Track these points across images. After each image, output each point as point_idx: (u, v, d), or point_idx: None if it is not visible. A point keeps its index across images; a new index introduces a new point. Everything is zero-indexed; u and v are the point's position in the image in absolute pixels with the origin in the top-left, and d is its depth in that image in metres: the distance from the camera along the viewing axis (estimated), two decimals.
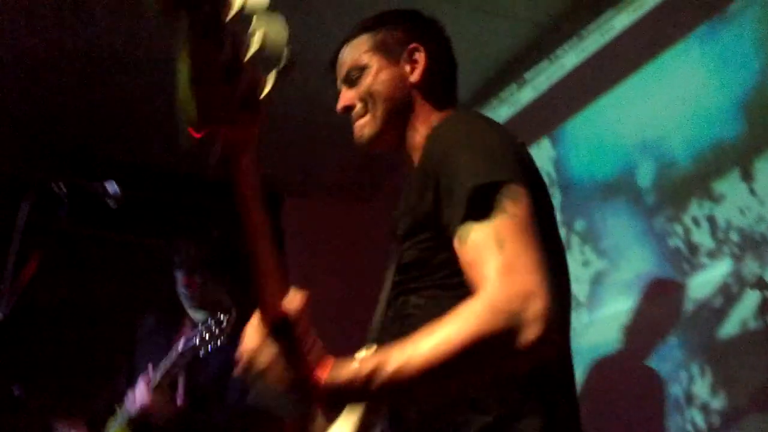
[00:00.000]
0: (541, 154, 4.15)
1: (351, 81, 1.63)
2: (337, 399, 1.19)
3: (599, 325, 3.60)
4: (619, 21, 3.74)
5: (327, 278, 4.86)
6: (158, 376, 2.50)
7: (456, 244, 1.25)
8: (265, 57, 0.92)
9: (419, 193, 1.40)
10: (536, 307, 1.10)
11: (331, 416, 1.30)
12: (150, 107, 4.21)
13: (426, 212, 1.37)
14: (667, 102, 3.41)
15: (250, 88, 0.94)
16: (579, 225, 3.84)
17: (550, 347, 1.11)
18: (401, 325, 1.42)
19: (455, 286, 1.31)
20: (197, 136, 0.96)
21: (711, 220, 3.14)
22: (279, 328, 1.14)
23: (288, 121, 4.65)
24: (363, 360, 1.17)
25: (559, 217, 3.83)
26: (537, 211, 1.27)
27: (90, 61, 3.88)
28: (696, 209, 3.21)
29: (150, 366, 2.56)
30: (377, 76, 1.61)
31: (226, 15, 0.88)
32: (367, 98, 1.59)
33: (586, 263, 3.74)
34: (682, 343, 3.15)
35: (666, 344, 3.22)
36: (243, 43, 0.91)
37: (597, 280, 3.67)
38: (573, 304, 3.65)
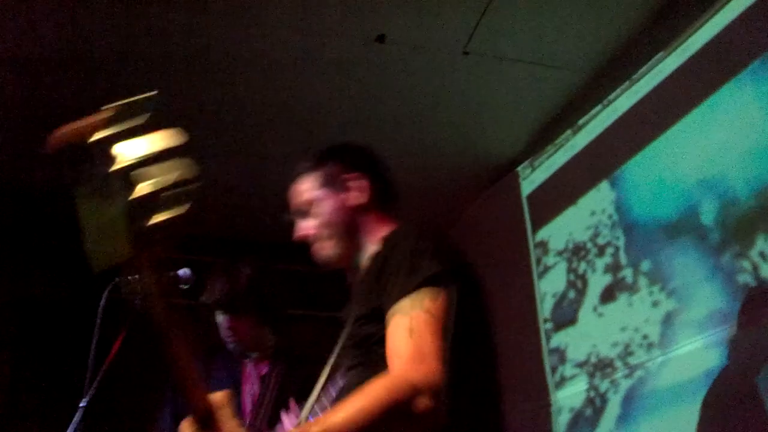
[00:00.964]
0: (601, 197, 4.21)
1: (302, 213, 1.88)
2: None
3: (673, 365, 3.60)
4: (670, 63, 3.82)
5: None
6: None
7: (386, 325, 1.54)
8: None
9: (372, 286, 1.65)
10: (430, 384, 1.39)
11: None
12: None
13: (377, 299, 1.63)
14: (725, 139, 3.45)
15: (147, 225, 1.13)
16: (645, 266, 3.87)
17: (440, 414, 1.39)
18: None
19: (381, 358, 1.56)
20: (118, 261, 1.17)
21: None
22: (203, 419, 1.37)
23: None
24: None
25: (623, 258, 3.96)
26: (453, 311, 1.53)
27: None
28: (763, 244, 3.22)
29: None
30: (323, 206, 1.85)
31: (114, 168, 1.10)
32: (320, 226, 1.83)
33: (655, 304, 3.76)
34: (763, 379, 3.14)
35: (746, 382, 3.20)
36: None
37: (668, 320, 3.68)
38: (645, 344, 3.70)
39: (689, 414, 3.45)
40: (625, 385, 3.88)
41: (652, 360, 3.74)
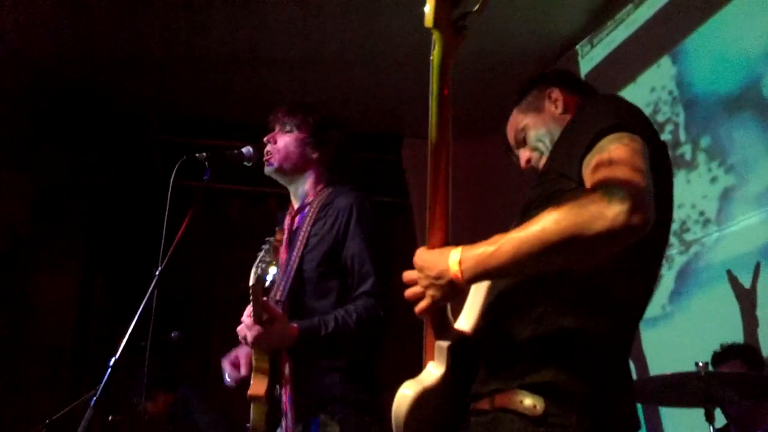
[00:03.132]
0: (662, 73, 4.11)
1: (520, 144, 1.97)
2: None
3: (730, 240, 3.60)
4: None
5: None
6: None
7: (584, 168, 1.50)
8: None
9: (558, 148, 1.71)
10: (632, 192, 1.33)
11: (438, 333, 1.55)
12: None
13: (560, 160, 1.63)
14: None
15: None
16: (704, 141, 3.82)
17: (638, 220, 1.31)
18: None
19: None
20: None
21: None
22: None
23: (406, 63, 4.79)
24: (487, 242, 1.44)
25: (683, 135, 3.91)
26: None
27: None
28: None
29: None
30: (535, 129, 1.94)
31: None
32: (538, 145, 1.91)
33: (713, 180, 3.73)
34: None
35: None
36: None
37: (726, 196, 3.66)
38: (701, 220, 3.70)
39: (742, 288, 3.48)
40: (679, 261, 3.90)
41: (707, 236, 3.74)
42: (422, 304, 1.48)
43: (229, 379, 2.38)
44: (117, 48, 5.10)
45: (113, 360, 2.02)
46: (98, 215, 5.51)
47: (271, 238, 2.17)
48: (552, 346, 1.47)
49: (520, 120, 1.95)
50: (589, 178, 1.45)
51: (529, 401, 1.42)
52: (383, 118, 6.00)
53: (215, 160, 2.45)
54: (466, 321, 1.62)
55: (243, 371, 2.35)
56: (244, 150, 2.48)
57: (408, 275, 1.52)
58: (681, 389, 2.72)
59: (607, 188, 1.35)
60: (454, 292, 1.46)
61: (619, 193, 1.32)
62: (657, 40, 4.18)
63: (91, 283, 5.39)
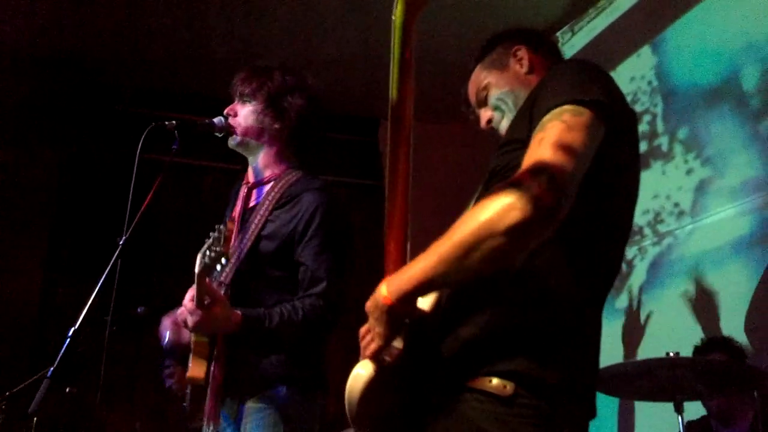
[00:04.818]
0: (642, 62, 4.09)
1: (480, 103, 1.90)
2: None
3: (703, 232, 3.59)
4: None
5: (418, 194, 4.97)
6: None
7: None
8: None
9: (519, 116, 1.60)
10: (551, 171, 1.29)
11: None
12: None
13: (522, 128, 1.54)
14: None
15: None
16: (682, 133, 3.80)
17: (548, 201, 1.27)
18: None
19: None
20: None
21: None
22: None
23: (383, 49, 4.72)
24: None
25: (660, 126, 3.89)
26: (594, 141, 1.40)
27: None
28: None
29: None
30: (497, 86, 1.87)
31: None
32: (499, 104, 1.85)
33: (689, 171, 3.72)
34: None
35: None
36: None
37: (701, 188, 3.65)
38: (675, 212, 3.69)
39: (714, 281, 3.48)
40: (652, 252, 3.90)
41: (681, 228, 3.74)
42: (371, 347, 1.41)
43: (166, 342, 2.30)
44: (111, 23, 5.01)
45: (72, 330, 1.95)
46: (66, 185, 5.41)
47: (222, 227, 2.05)
48: (520, 335, 1.41)
49: (482, 77, 1.88)
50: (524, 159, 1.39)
51: (497, 381, 1.36)
52: (361, 100, 5.94)
53: (185, 129, 2.33)
54: (426, 298, 1.52)
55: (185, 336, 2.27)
56: (215, 120, 2.37)
57: (362, 331, 1.46)
58: (650, 377, 2.68)
59: (519, 179, 1.30)
60: (395, 320, 1.40)
61: (534, 180, 1.28)
62: (638, 29, 4.16)
63: (57, 255, 5.29)
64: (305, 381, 2.20)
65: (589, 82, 1.47)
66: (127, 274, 2.26)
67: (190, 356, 2.20)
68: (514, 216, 1.25)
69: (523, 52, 1.85)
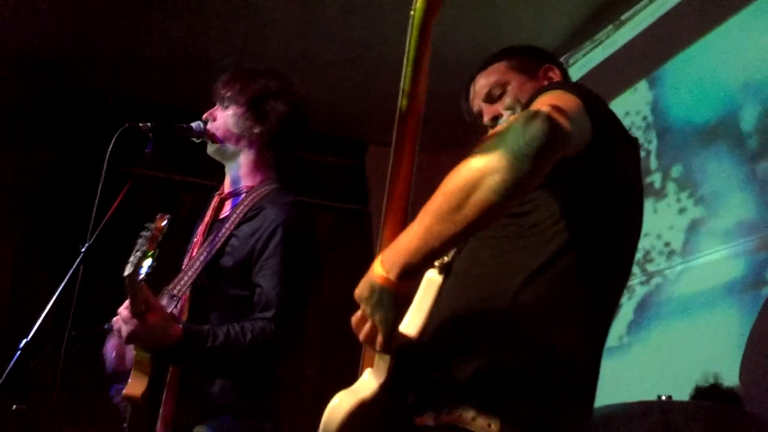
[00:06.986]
0: (637, 97, 4.02)
1: (492, 98, 1.86)
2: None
3: (694, 273, 3.49)
4: None
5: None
6: None
7: None
8: None
9: None
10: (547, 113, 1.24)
11: None
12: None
13: None
14: None
15: None
16: (676, 171, 3.72)
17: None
18: None
19: None
20: None
21: None
22: None
23: (377, 73, 4.64)
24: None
25: (654, 163, 3.79)
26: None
27: None
28: None
29: None
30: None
31: None
32: (514, 105, 1.82)
33: (682, 210, 3.63)
34: None
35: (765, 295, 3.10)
36: None
37: (693, 228, 3.56)
38: (666, 251, 3.60)
39: (703, 324, 3.37)
40: (640, 291, 3.79)
41: (671, 268, 3.64)
42: (378, 338, 1.28)
43: (109, 368, 2.16)
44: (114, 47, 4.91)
45: (23, 342, 1.82)
46: (43, 191, 5.28)
47: (151, 225, 1.93)
48: (508, 360, 1.31)
49: (505, 74, 1.84)
50: None
51: (482, 420, 1.25)
52: (349, 123, 5.85)
53: (160, 132, 2.20)
54: (411, 324, 1.41)
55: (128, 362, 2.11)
56: (193, 124, 2.25)
57: (354, 319, 1.33)
58: (641, 421, 2.58)
59: (511, 121, 1.26)
60: (396, 301, 1.26)
61: (535, 112, 1.23)
62: (635, 63, 4.09)
63: (27, 261, 5.14)
64: (251, 411, 2.05)
65: (585, 92, 1.47)
66: (99, 289, 2.15)
67: (131, 371, 2.03)
68: (534, 129, 1.19)
69: (555, 73, 1.86)
